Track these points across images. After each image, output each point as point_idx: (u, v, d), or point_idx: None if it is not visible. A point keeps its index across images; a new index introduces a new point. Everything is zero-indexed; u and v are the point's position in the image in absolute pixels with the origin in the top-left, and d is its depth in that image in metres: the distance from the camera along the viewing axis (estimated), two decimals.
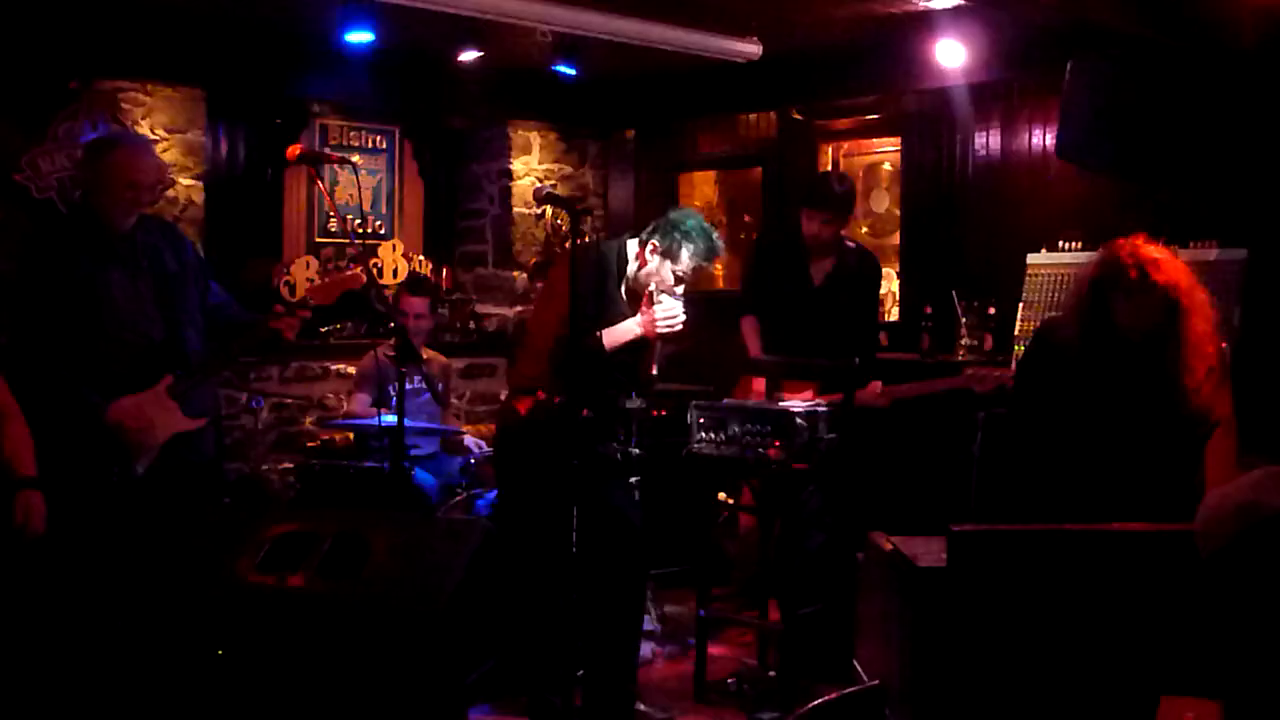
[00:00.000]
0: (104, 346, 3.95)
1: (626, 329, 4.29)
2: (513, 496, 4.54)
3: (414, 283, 6.59)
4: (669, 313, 4.26)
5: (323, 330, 6.75)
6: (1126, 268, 3.47)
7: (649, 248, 4.33)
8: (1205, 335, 3.53)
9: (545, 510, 4.12)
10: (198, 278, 4.25)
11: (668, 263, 4.30)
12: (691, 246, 4.28)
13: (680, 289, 4.35)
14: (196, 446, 4.12)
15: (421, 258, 7.29)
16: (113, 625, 3.72)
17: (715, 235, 4.38)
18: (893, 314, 6.72)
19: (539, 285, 6.57)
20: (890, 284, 6.78)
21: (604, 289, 4.33)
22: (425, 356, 6.07)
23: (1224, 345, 3.64)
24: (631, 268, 4.38)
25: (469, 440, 6.05)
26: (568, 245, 5.12)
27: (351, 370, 6.54)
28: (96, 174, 4.01)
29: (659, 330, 4.29)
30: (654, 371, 4.51)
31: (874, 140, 6.96)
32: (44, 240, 4.11)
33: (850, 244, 5.59)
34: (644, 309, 4.32)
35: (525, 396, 4.35)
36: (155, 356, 4.03)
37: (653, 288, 4.33)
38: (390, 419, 4.45)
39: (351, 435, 6.02)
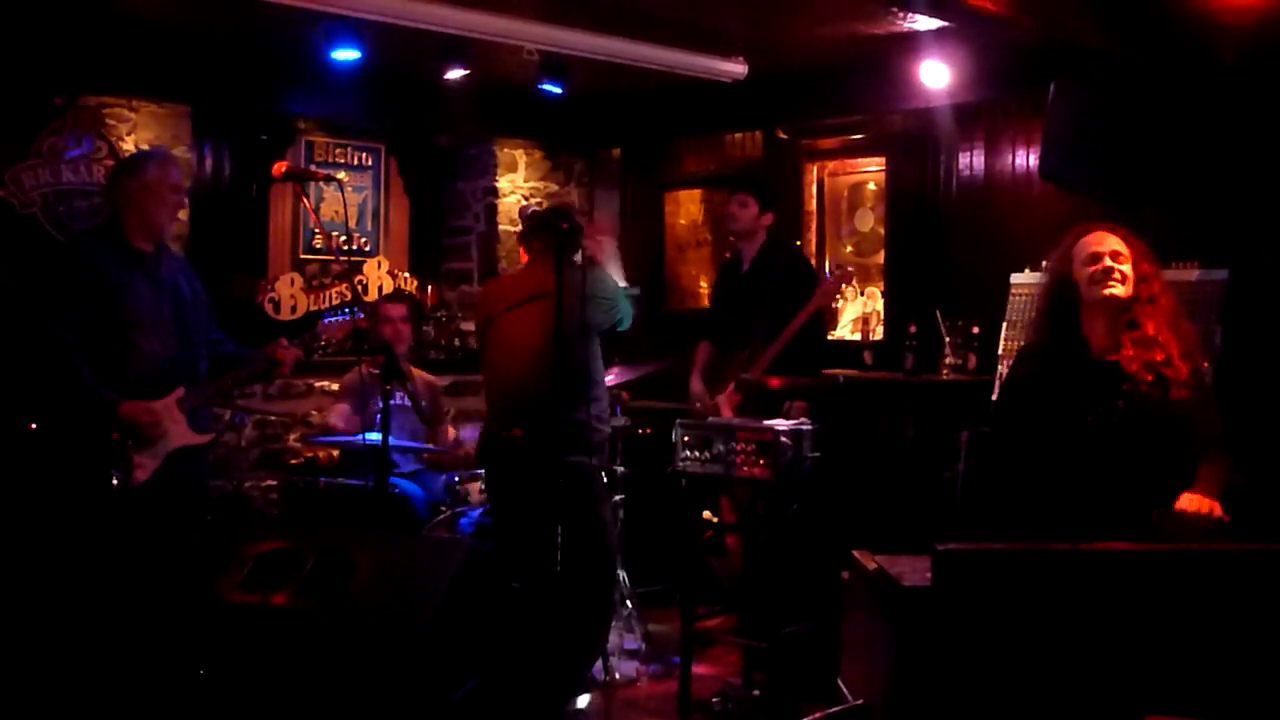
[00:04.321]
0: (123, 350, 4.14)
1: None
2: (504, 512, 4.61)
3: (389, 294, 6.64)
4: None
5: (320, 325, 6.73)
6: (1081, 225, 3.64)
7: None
8: (1174, 310, 3.56)
9: (534, 526, 4.19)
10: (207, 310, 4.50)
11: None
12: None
13: None
14: (195, 462, 4.30)
15: (406, 275, 7.28)
16: (96, 641, 3.72)
17: None
18: (877, 333, 6.74)
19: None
20: (875, 303, 6.80)
21: None
22: (410, 373, 6.07)
23: (1205, 365, 3.64)
24: None
25: (465, 434, 6.07)
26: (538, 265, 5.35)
27: (335, 387, 6.52)
28: (141, 184, 4.28)
29: None
30: None
31: (859, 160, 6.99)
32: (74, 247, 4.38)
33: (786, 243, 6.12)
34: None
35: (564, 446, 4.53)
36: (170, 370, 4.22)
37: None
38: (374, 436, 4.45)
39: (336, 452, 6.01)
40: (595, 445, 4.72)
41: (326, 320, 4.67)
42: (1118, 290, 3.51)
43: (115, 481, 4.01)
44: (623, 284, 5.10)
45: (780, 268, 5.82)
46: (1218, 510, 3.39)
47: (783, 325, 5.53)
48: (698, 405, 5.77)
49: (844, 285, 6.16)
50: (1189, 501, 3.39)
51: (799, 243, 7.00)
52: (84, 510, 4.02)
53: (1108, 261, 3.53)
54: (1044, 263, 3.75)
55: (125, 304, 4.17)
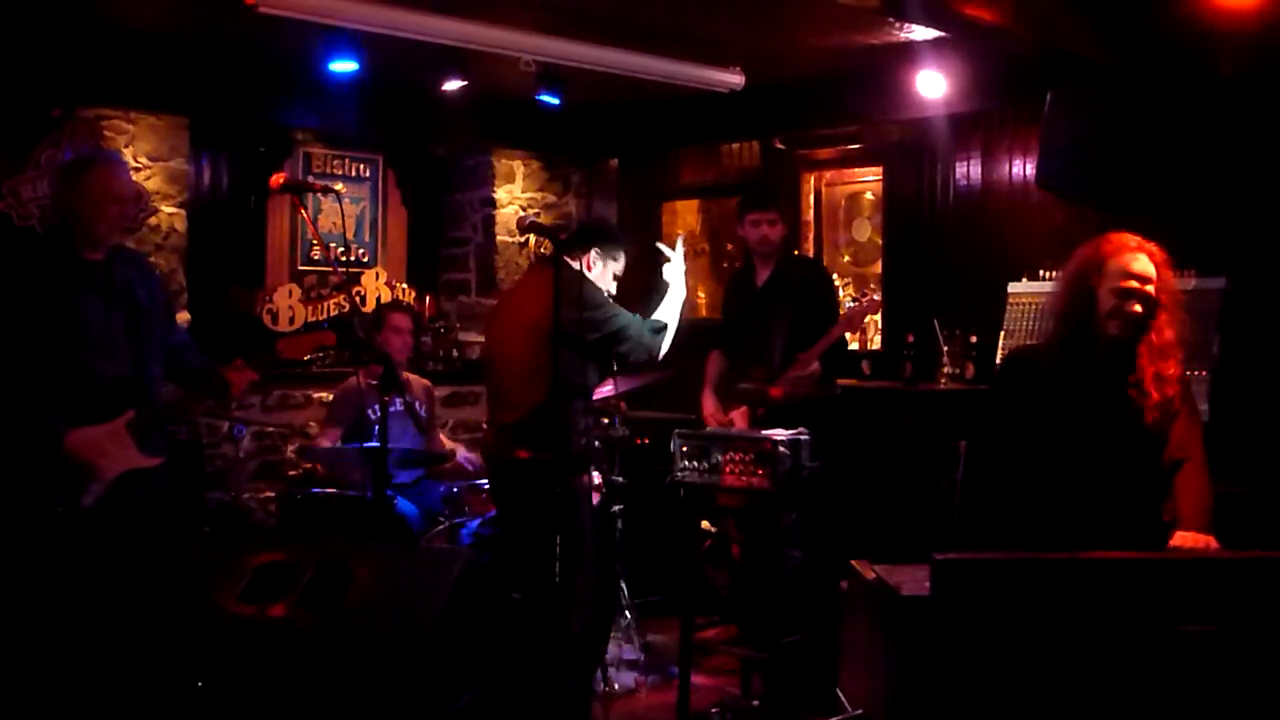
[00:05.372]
0: (71, 372, 3.90)
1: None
2: (519, 531, 4.55)
3: (394, 302, 6.64)
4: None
5: (305, 358, 6.73)
6: (1123, 238, 3.54)
7: (592, 257, 4.64)
8: (1172, 342, 3.53)
9: (521, 533, 4.17)
10: (166, 315, 4.24)
11: (611, 264, 4.68)
12: (619, 246, 4.73)
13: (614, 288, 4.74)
14: (149, 481, 4.05)
15: (404, 286, 7.29)
16: (80, 655, 3.69)
17: None
18: (875, 342, 6.74)
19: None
20: (873, 312, 6.80)
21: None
22: (407, 380, 6.06)
23: (1194, 373, 3.64)
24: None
25: (461, 455, 6.03)
26: (532, 272, 5.35)
27: (330, 398, 6.51)
28: (80, 193, 3.96)
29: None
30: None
31: (856, 169, 7.00)
32: (17, 260, 4.04)
33: (799, 255, 5.96)
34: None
35: (525, 448, 4.40)
36: (119, 390, 3.98)
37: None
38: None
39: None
40: (565, 449, 4.52)
41: (291, 336, 4.49)
42: (1132, 335, 3.50)
43: (61, 507, 3.82)
44: (659, 315, 4.79)
45: (802, 285, 5.61)
46: (1214, 545, 3.36)
47: (802, 343, 5.37)
48: (711, 420, 5.63)
49: (869, 316, 5.99)
50: (1183, 540, 3.37)
51: (796, 252, 7.02)
52: (30, 534, 3.82)
53: (1136, 307, 3.47)
54: (1070, 262, 3.66)
55: (74, 322, 3.89)
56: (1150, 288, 3.49)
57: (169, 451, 4.18)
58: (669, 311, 4.79)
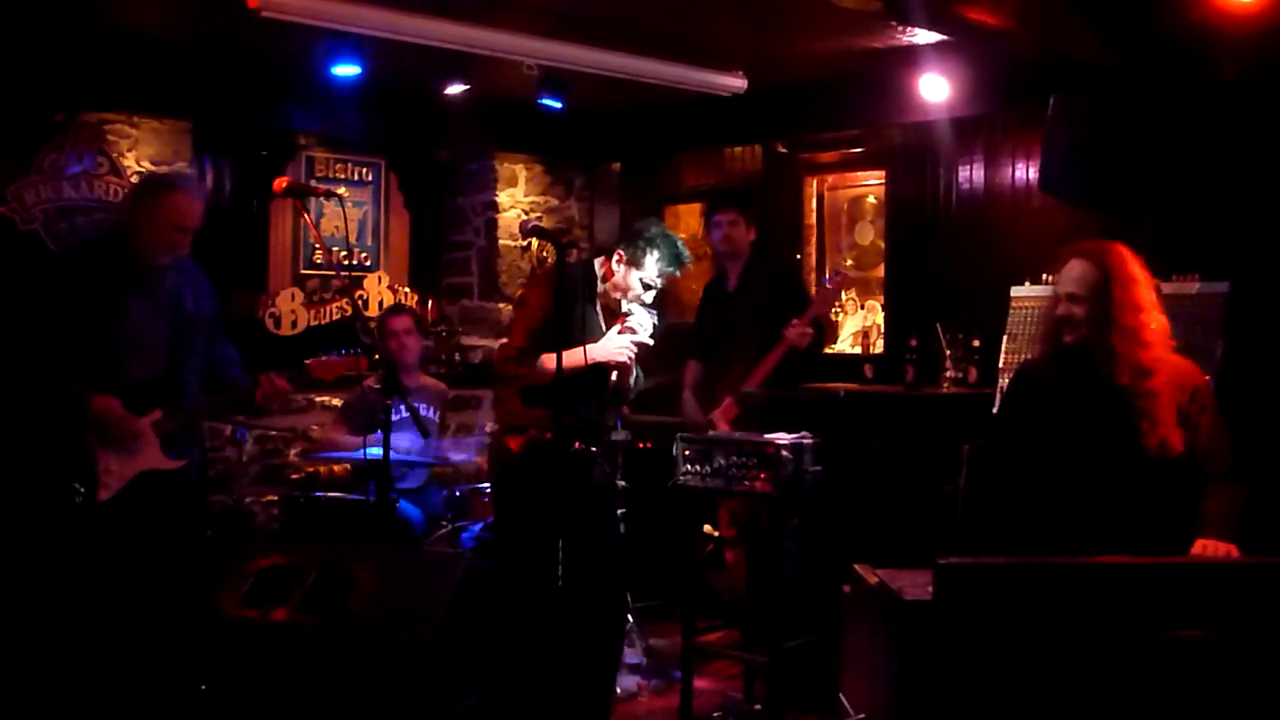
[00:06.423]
0: (107, 370, 4.01)
1: (579, 354, 4.27)
2: (511, 531, 4.52)
3: (393, 306, 6.64)
4: (633, 327, 4.40)
5: (307, 363, 6.72)
6: (1065, 251, 3.62)
7: (615, 258, 4.44)
8: (1139, 324, 3.47)
9: (543, 543, 4.12)
10: (213, 326, 4.36)
11: (634, 271, 4.39)
12: (656, 252, 4.37)
13: (650, 297, 4.44)
14: (171, 483, 4.11)
15: (407, 289, 7.29)
16: (84, 655, 3.70)
17: (681, 243, 4.48)
18: (878, 346, 6.74)
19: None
20: (875, 316, 6.81)
21: (573, 308, 4.38)
22: (422, 383, 6.09)
23: (1208, 377, 3.64)
24: (601, 284, 4.48)
25: (453, 455, 6.03)
26: (537, 272, 5.20)
27: (337, 403, 6.52)
28: (146, 211, 4.11)
29: (618, 357, 4.38)
30: (630, 383, 4.57)
31: (858, 173, 7.00)
32: (73, 258, 4.22)
33: (774, 256, 6.12)
34: (619, 326, 4.43)
35: (517, 434, 4.36)
36: (152, 390, 4.09)
37: (626, 306, 4.43)
38: (376, 451, 4.43)
39: (337, 468, 6.01)
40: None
41: (323, 357, 4.45)
42: (1072, 337, 3.52)
43: (79, 498, 3.88)
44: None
45: (770, 282, 5.79)
46: (1235, 553, 3.30)
47: (778, 337, 5.49)
48: (691, 424, 5.69)
49: (843, 291, 6.15)
50: (1204, 549, 3.33)
51: (799, 256, 7.02)
52: (46, 523, 3.90)
53: (1060, 308, 3.53)
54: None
55: (119, 324, 4.03)
56: (1071, 287, 3.52)
57: (199, 456, 4.26)
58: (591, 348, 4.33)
